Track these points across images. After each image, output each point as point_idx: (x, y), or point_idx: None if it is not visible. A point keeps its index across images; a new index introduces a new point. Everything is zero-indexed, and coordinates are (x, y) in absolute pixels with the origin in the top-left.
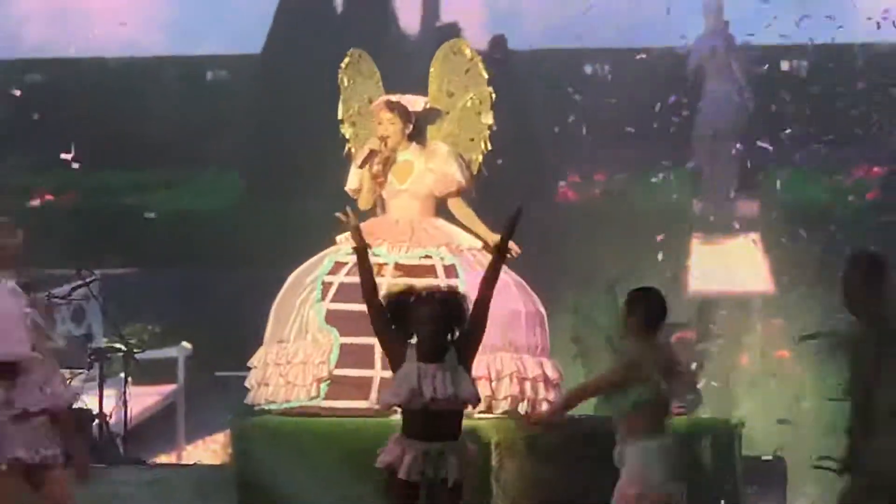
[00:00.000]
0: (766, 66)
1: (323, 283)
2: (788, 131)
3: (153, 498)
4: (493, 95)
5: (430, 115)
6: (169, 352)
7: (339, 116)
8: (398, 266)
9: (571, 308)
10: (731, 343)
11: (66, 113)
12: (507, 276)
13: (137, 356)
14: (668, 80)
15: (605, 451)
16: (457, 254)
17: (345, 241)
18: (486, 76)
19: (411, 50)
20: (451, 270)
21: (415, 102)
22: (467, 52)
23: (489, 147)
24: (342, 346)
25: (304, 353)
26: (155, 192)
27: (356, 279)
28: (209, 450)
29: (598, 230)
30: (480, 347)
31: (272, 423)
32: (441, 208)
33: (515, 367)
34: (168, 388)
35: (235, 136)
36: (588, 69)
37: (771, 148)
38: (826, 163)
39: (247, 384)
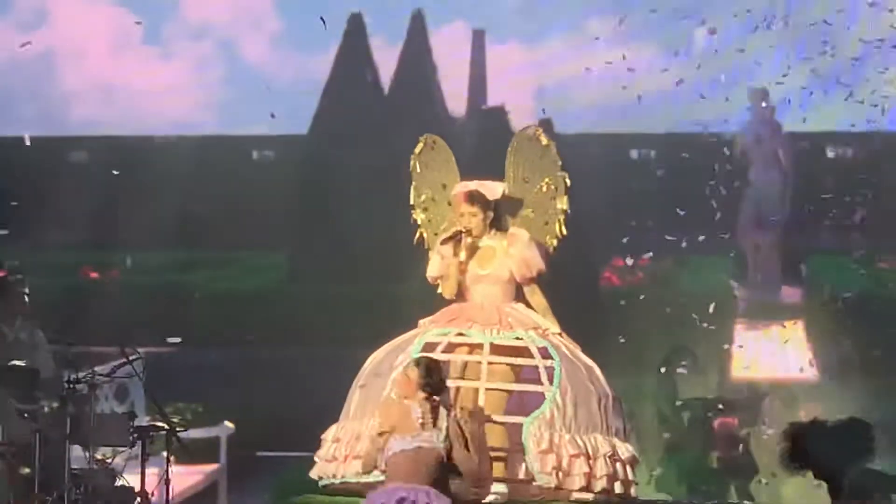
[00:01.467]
0: (812, 153)
1: None
2: (833, 218)
3: None
4: (568, 181)
5: (508, 201)
6: (212, 431)
7: (411, 202)
8: (494, 347)
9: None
10: (776, 430)
11: (112, 191)
12: (589, 360)
13: (180, 435)
14: (714, 166)
15: None
16: (545, 338)
17: (428, 324)
18: (560, 162)
19: (458, 131)
20: (545, 352)
21: (493, 190)
22: (542, 139)
23: (565, 231)
24: None
25: None
26: (200, 271)
27: (449, 357)
28: None
29: (642, 315)
30: (580, 424)
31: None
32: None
33: (609, 447)
34: (210, 468)
35: (280, 217)
36: (634, 154)
37: (815, 235)
38: (870, 251)
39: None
